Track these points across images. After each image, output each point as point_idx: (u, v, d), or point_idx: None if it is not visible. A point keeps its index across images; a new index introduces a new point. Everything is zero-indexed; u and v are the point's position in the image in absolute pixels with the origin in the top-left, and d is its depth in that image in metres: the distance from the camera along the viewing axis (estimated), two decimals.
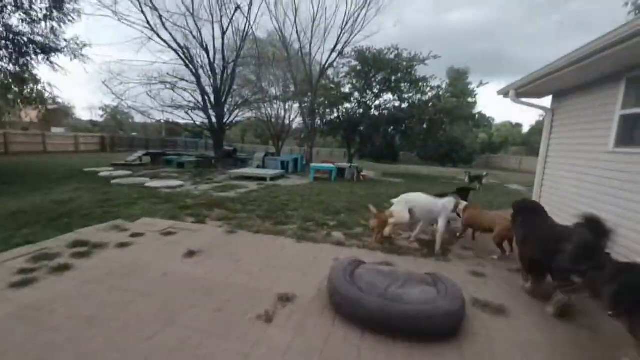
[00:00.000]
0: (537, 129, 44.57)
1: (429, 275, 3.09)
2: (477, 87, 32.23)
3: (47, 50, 13.06)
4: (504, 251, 4.44)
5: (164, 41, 13.82)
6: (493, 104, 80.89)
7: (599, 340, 2.51)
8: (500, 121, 49.75)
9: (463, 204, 5.29)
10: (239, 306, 2.68)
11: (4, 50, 11.79)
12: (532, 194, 9.46)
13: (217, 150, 15.96)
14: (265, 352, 2.14)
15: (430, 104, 18.92)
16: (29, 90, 14.74)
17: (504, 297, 3.12)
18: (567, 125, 5.92)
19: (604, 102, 4.87)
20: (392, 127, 20.54)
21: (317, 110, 19.26)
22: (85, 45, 14.19)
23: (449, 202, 4.66)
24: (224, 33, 14.36)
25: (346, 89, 20.16)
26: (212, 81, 15.09)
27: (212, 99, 15.21)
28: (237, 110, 17.03)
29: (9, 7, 11.47)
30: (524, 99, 6.67)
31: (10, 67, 12.46)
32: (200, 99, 15.14)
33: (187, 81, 15.00)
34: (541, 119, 43.48)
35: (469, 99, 32.52)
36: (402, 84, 18.70)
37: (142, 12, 13.11)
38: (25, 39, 12.10)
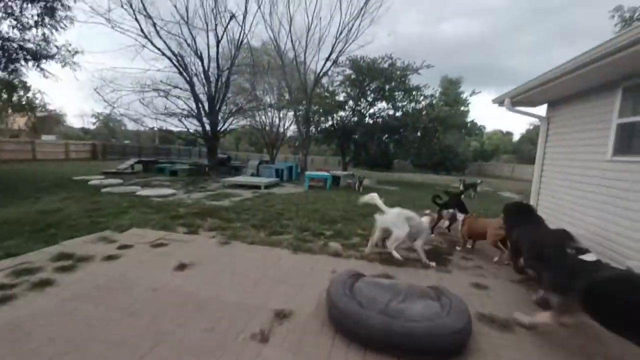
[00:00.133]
0: (527, 138, 45.32)
1: (431, 289, 2.97)
2: (470, 95, 32.58)
3: (37, 56, 12.88)
4: (502, 250, 4.50)
5: (158, 49, 13.75)
6: (483, 112, 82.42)
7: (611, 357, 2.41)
8: (490, 129, 50.50)
9: (461, 215, 5.35)
10: (232, 324, 2.52)
11: None
12: (527, 202, 9.51)
13: (211, 158, 15.79)
14: None
15: (424, 113, 19.05)
16: (17, 97, 14.45)
17: (508, 310, 3.00)
18: (563, 133, 5.92)
19: (600, 110, 4.87)
20: (386, 135, 20.61)
21: (311, 118, 19.25)
22: (76, 52, 14.05)
23: (427, 220, 4.71)
24: (218, 41, 14.36)
25: (340, 97, 20.25)
26: (206, 89, 15.01)
27: (206, 107, 15.09)
28: (231, 118, 16.91)
29: None
30: (519, 108, 6.69)
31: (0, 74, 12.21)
32: (194, 106, 15.04)
33: (180, 89, 14.92)
34: (531, 127, 44.35)
35: (462, 108, 32.90)
36: (396, 93, 18.83)
37: (136, 19, 13.04)
38: (15, 45, 11.91)
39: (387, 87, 18.43)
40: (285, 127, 22.94)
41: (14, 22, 11.64)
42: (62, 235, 4.65)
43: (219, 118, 15.69)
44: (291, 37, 17.15)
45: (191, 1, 14.02)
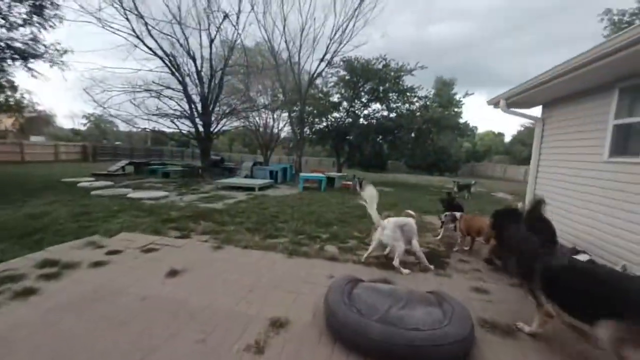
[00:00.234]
0: (518, 139, 45.83)
1: (431, 294, 2.89)
2: (463, 97, 32.87)
3: (25, 56, 12.57)
4: (464, 235, 5.02)
5: (150, 49, 13.50)
6: (475, 113, 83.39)
7: None
8: (482, 131, 50.94)
9: (458, 214, 5.40)
10: (225, 335, 2.40)
11: None
12: (519, 203, 9.53)
13: (204, 159, 15.57)
14: None
15: (418, 114, 19.10)
16: (4, 97, 14.11)
17: (510, 315, 2.94)
18: (559, 134, 5.91)
19: (596, 111, 4.86)
20: (380, 137, 20.61)
21: (306, 119, 19.16)
22: (65, 52, 13.75)
23: (412, 220, 4.57)
24: (211, 41, 14.17)
25: (335, 99, 20.21)
26: (199, 89, 14.79)
27: (199, 108, 14.88)
28: (224, 119, 16.72)
29: None
30: (514, 109, 6.69)
31: None
32: (186, 107, 14.80)
33: (173, 89, 14.65)
34: (522, 128, 44.84)
35: (456, 109, 33.13)
36: (390, 94, 18.84)
37: (127, 19, 12.80)
38: (2, 44, 11.61)
39: (381, 88, 18.43)
40: (279, 128, 22.84)
41: (2, 21, 11.34)
42: (48, 240, 4.47)
43: (212, 119, 15.48)
44: (285, 37, 17.10)
45: (184, 0, 13.86)
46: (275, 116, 21.98)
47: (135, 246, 4.30)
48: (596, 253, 4.53)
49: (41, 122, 40.69)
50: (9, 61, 12.36)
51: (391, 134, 19.77)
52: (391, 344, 2.18)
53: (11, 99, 15.04)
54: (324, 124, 20.45)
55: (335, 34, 16.67)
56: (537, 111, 6.79)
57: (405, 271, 3.87)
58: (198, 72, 14.54)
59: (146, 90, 14.33)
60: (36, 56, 13.65)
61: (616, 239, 4.28)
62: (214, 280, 3.38)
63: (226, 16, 13.77)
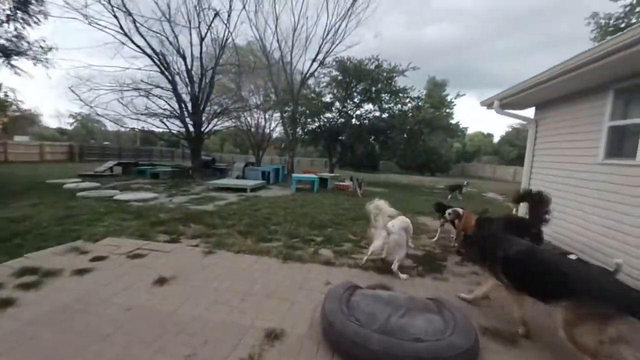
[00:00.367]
0: (506, 139, 46.47)
1: (431, 301, 2.80)
2: (455, 98, 33.12)
3: (8, 53, 12.14)
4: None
5: (138, 47, 13.16)
6: (464, 114, 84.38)
7: None
8: (471, 131, 51.37)
9: (460, 210, 5.50)
10: (217, 349, 2.26)
11: None
12: (510, 203, 9.56)
13: (195, 159, 15.27)
14: None
15: (410, 114, 19.14)
16: None
17: (511, 322, 2.86)
18: (552, 136, 5.91)
19: (590, 113, 4.86)
20: (373, 137, 20.60)
21: (298, 120, 19.01)
22: (50, 49, 13.34)
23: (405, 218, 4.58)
24: (202, 39, 13.89)
25: (327, 99, 20.11)
26: (189, 88, 14.49)
27: (190, 107, 14.59)
28: (215, 119, 16.44)
29: None
30: (508, 110, 6.68)
31: None
32: (176, 106, 14.47)
33: (162, 88, 14.31)
34: (510, 129, 45.42)
35: (447, 110, 33.40)
36: (383, 95, 18.83)
37: (115, 16, 12.46)
38: None
39: (373, 88, 18.41)
40: (271, 129, 22.63)
41: None
42: (29, 245, 4.25)
43: (203, 119, 15.20)
44: (277, 36, 16.93)
45: None
46: (267, 116, 21.78)
47: (121, 252, 4.11)
48: (591, 254, 4.53)
49: (25, 121, 39.60)
50: None
51: (383, 135, 19.76)
52: (393, 356, 2.07)
53: None
54: (317, 124, 20.33)
55: (328, 33, 16.60)
56: (530, 112, 6.81)
57: (404, 276, 3.77)
58: (188, 71, 14.26)
59: (135, 89, 13.98)
60: (20, 53, 13.21)
61: (611, 240, 4.27)
62: (205, 288, 3.23)
63: (217, 14, 13.54)
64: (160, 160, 30.36)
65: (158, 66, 13.63)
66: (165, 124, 15.05)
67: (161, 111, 14.68)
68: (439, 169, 35.75)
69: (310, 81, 19.54)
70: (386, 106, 19.42)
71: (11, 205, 6.88)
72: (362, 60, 18.04)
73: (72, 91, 12.93)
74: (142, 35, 13.01)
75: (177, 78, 14.21)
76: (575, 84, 4.77)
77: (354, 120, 19.79)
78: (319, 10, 17.86)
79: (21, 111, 36.04)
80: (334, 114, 20.13)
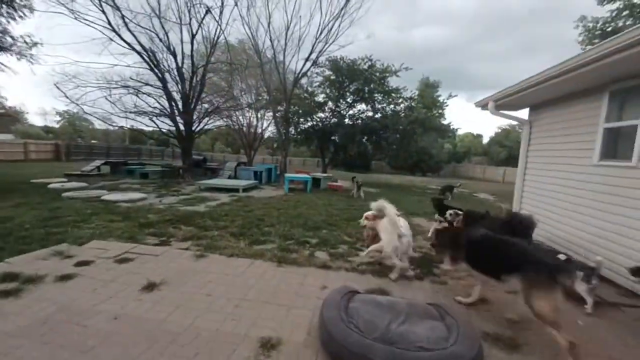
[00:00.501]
0: (496, 140, 47.12)
1: (432, 307, 2.72)
2: (447, 98, 33.33)
3: None
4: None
5: (127, 43, 12.83)
6: (453, 115, 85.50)
7: None
8: (461, 132, 51.90)
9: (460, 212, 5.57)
10: None
11: None
12: (502, 203, 9.62)
13: (186, 159, 14.98)
14: None
15: (403, 115, 19.17)
16: None
17: (512, 326, 2.81)
18: (547, 137, 5.92)
19: (585, 114, 4.86)
20: (365, 137, 20.57)
21: (291, 119, 18.86)
22: (35, 44, 12.94)
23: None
24: (193, 36, 13.61)
25: (320, 99, 20.00)
26: (180, 87, 14.20)
27: (180, 106, 14.30)
28: (207, 118, 16.15)
29: None
30: (502, 111, 6.69)
31: None
32: (167, 104, 14.16)
33: (152, 86, 13.97)
34: (499, 130, 46.01)
35: (440, 110, 33.61)
36: (376, 95, 18.81)
37: (103, 11, 12.11)
38: None
39: (366, 88, 18.36)
40: (263, 128, 22.41)
41: None
42: (10, 249, 4.04)
43: (194, 117, 14.92)
44: (270, 35, 16.69)
45: None
46: (259, 115, 21.56)
47: (108, 256, 3.93)
48: (586, 256, 4.52)
49: (9, 119, 38.47)
50: None
51: (376, 135, 19.75)
52: None
53: None
54: (309, 123, 20.21)
55: (321, 33, 16.42)
56: (524, 113, 6.82)
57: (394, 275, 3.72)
58: (179, 69, 13.96)
59: (123, 87, 13.63)
60: (3, 48, 12.79)
61: (607, 242, 4.27)
62: (197, 294, 3.09)
63: (208, 10, 13.28)
64: (150, 159, 29.84)
65: (148, 63, 13.31)
66: (155, 123, 14.74)
67: (151, 109, 14.36)
68: (430, 170, 35.97)
69: (303, 81, 19.38)
70: (379, 106, 19.39)
71: None
72: (355, 60, 17.97)
73: (58, 88, 12.53)
74: (131, 32, 12.68)
75: (167, 76, 13.90)
76: (570, 86, 4.76)
77: (346, 120, 19.71)
78: (312, 10, 17.65)
79: (5, 108, 35.01)
80: (326, 114, 20.03)
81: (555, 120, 5.66)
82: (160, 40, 13.38)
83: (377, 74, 18.05)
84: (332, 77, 18.76)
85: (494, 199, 14.82)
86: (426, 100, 31.48)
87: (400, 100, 19.26)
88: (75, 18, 11.90)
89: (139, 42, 12.92)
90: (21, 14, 12.43)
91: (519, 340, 2.58)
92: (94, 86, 13.12)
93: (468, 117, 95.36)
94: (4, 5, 11.92)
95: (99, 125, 39.75)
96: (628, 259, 3.82)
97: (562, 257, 3.91)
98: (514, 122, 43.51)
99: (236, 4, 14.65)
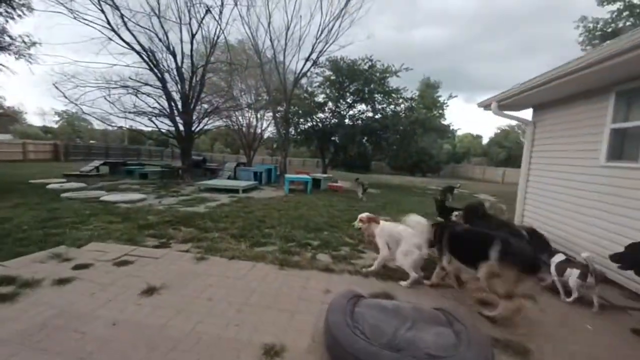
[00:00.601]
0: (495, 141, 47.15)
1: (439, 312, 2.65)
2: (448, 99, 33.35)
3: None
4: None
5: (126, 43, 12.75)
6: (452, 115, 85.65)
7: None
8: (461, 133, 51.91)
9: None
10: None
11: None
12: (502, 204, 9.57)
13: (185, 159, 14.89)
14: None
15: (403, 115, 19.13)
16: None
17: (521, 331, 2.75)
18: (551, 137, 5.86)
19: (591, 115, 4.80)
20: (366, 138, 20.52)
21: (291, 119, 18.80)
22: (33, 44, 12.87)
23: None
24: (192, 36, 13.55)
25: (320, 99, 19.95)
26: (179, 87, 14.13)
27: (180, 106, 14.22)
28: (206, 118, 16.07)
29: None
30: (506, 112, 6.63)
31: None
32: (166, 105, 14.08)
33: (151, 86, 13.90)
34: (499, 131, 46.08)
35: (440, 111, 33.61)
36: (376, 95, 18.76)
37: (102, 10, 12.02)
38: None
39: (366, 89, 18.31)
40: (263, 128, 22.33)
41: None
42: (7, 251, 3.98)
43: (194, 118, 14.84)
44: (270, 35, 16.62)
45: None
46: (258, 116, 21.48)
47: (106, 258, 3.85)
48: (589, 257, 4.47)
49: (8, 119, 38.36)
50: None
51: (376, 135, 19.71)
52: None
53: None
54: (310, 124, 20.16)
55: (322, 33, 16.36)
56: (527, 113, 6.78)
57: (405, 283, 3.64)
58: (178, 69, 13.89)
59: (122, 87, 13.56)
60: (1, 48, 12.72)
61: (611, 243, 4.21)
62: (198, 298, 3.02)
63: (208, 10, 13.22)
64: (149, 159, 29.76)
65: (147, 63, 13.24)
66: (155, 123, 14.67)
67: (150, 109, 14.28)
68: (430, 170, 35.95)
69: (303, 81, 19.33)
70: (379, 107, 19.35)
71: None
72: (356, 60, 17.92)
73: (57, 88, 12.45)
74: (130, 31, 12.61)
75: (166, 76, 13.82)
76: (576, 86, 4.70)
77: (347, 120, 19.66)
78: (312, 10, 17.54)
79: (3, 108, 34.88)
80: (327, 114, 19.97)
81: (560, 120, 5.61)
82: (160, 39, 13.32)
83: (378, 75, 18.00)
84: (332, 78, 18.71)
85: (494, 199, 14.77)
86: (426, 101, 31.49)
87: (401, 100, 19.22)
88: (75, 17, 11.83)
89: (138, 41, 12.86)
90: (20, 13, 12.38)
91: (529, 347, 2.51)
92: (93, 86, 13.05)
93: (467, 118, 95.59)
94: (2, 4, 11.85)
95: (97, 125, 39.75)
96: None
97: (561, 256, 3.87)
98: (514, 123, 43.50)
99: (236, 4, 14.59)
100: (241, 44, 18.76)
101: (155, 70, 13.37)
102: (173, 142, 15.59)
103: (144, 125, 15.45)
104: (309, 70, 17.81)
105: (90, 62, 16.38)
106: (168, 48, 13.57)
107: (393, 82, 18.73)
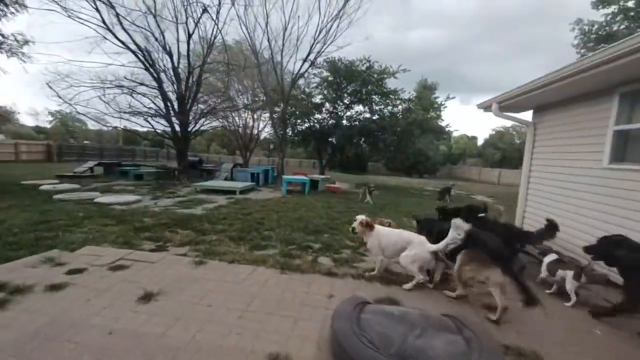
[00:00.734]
0: (490, 142, 47.43)
1: (448, 318, 2.57)
2: (445, 100, 33.44)
3: None
4: None
5: (122, 42, 12.57)
6: (447, 116, 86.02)
7: None
8: (456, 134, 52.12)
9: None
10: None
11: None
12: (501, 206, 9.56)
13: (181, 160, 14.72)
14: None
15: (400, 116, 19.14)
16: None
17: (531, 338, 2.69)
18: (552, 139, 5.83)
19: (594, 117, 4.76)
20: (363, 139, 20.50)
21: (288, 120, 18.71)
22: (26, 42, 12.65)
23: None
24: (189, 36, 13.40)
25: (317, 100, 19.90)
26: (175, 87, 13.96)
27: (176, 106, 14.06)
28: (203, 119, 15.91)
29: None
30: (506, 113, 6.59)
31: None
32: (162, 105, 13.91)
33: (147, 86, 13.72)
34: (494, 132, 46.37)
35: (437, 112, 33.71)
36: (373, 96, 18.75)
37: (97, 9, 11.84)
38: None
39: (364, 90, 18.30)
40: (260, 129, 22.20)
41: None
42: None
43: (190, 118, 14.68)
44: (267, 35, 16.53)
45: None
46: (255, 117, 21.34)
47: (101, 263, 3.73)
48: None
49: (0, 119, 37.83)
50: None
51: (374, 136, 19.70)
52: None
53: None
54: (307, 125, 20.09)
55: (320, 33, 16.31)
56: (527, 115, 6.75)
57: (408, 286, 3.56)
58: (175, 69, 13.73)
59: (117, 86, 13.37)
60: None
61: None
62: (197, 304, 2.90)
63: (205, 10, 13.08)
64: (144, 160, 29.47)
65: (143, 63, 13.06)
66: (150, 123, 14.49)
67: (146, 110, 14.11)
68: (427, 171, 36.04)
69: (301, 81, 19.26)
70: (377, 108, 19.34)
71: None
72: (354, 61, 17.91)
73: (50, 87, 12.22)
74: (125, 30, 12.42)
75: (162, 76, 13.66)
76: (580, 88, 4.67)
77: (344, 121, 19.63)
78: (310, 10, 17.53)
79: None
80: (324, 115, 19.92)
81: (562, 122, 5.57)
82: (156, 39, 13.16)
83: (375, 76, 18.01)
84: (330, 79, 18.69)
85: (492, 201, 14.79)
86: (424, 102, 31.58)
87: (398, 102, 19.23)
88: (69, 16, 11.61)
89: (133, 41, 12.68)
90: (13, 10, 12.17)
91: (541, 354, 2.44)
92: (87, 86, 12.85)
93: (462, 119, 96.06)
94: None
95: (92, 125, 39.29)
96: None
97: (553, 256, 4.00)
98: (508, 125, 43.56)
99: (233, 4, 14.48)
100: (238, 45, 18.64)
101: (151, 70, 13.21)
102: (169, 143, 15.42)
103: (139, 125, 15.33)
104: (306, 71, 17.76)
105: (84, 62, 16.13)
106: (164, 48, 13.42)
107: (390, 83, 18.75)
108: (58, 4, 11.30)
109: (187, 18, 13.10)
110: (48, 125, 49.38)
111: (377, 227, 3.97)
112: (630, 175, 4.06)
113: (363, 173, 31.85)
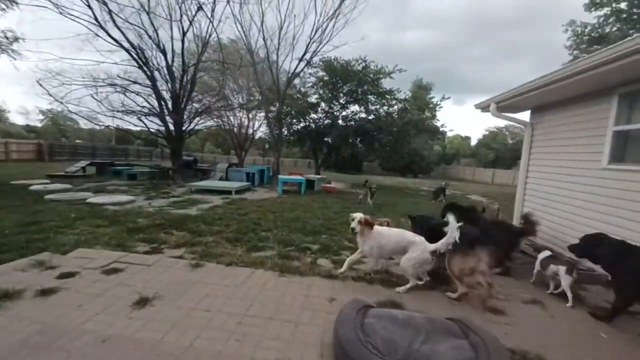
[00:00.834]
0: (483, 142, 47.80)
1: (453, 322, 2.52)
2: (441, 100, 33.58)
3: None
4: None
5: (115, 40, 12.35)
6: (441, 117, 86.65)
7: None
8: (450, 134, 52.40)
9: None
10: None
11: None
12: (495, 205, 9.58)
13: (175, 160, 14.51)
14: None
15: (396, 116, 19.15)
16: None
17: (535, 340, 2.65)
18: (551, 139, 5.84)
19: (593, 117, 4.77)
20: (359, 139, 20.48)
21: (284, 120, 18.61)
22: (16, 39, 12.38)
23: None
24: (184, 34, 13.22)
25: (313, 99, 19.82)
26: (169, 85, 13.76)
27: (170, 105, 13.85)
28: (197, 118, 15.72)
29: None
30: (504, 113, 6.59)
31: None
32: (156, 104, 13.70)
33: (140, 84, 13.49)
34: (487, 133, 46.73)
35: (432, 113, 33.84)
36: (369, 96, 18.73)
37: (89, 6, 11.60)
38: None
39: (359, 90, 18.27)
40: (255, 129, 22.05)
41: None
42: None
43: (184, 117, 14.48)
44: (263, 34, 16.40)
45: None
46: (250, 116, 21.19)
47: (94, 266, 3.61)
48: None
49: None
50: None
51: (369, 136, 19.68)
52: None
53: None
54: (302, 124, 20.01)
55: (316, 33, 16.23)
56: (524, 115, 6.76)
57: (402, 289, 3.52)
58: (169, 67, 13.52)
59: (110, 85, 13.12)
60: None
61: None
62: (194, 309, 2.81)
63: (200, 7, 12.91)
64: (138, 160, 29.12)
65: (136, 61, 12.84)
66: (144, 122, 14.24)
67: (139, 108, 13.86)
68: (421, 171, 36.19)
69: (296, 81, 19.17)
70: (372, 108, 19.33)
71: None
72: (350, 61, 17.86)
73: (41, 85, 11.96)
74: (118, 28, 12.20)
75: (156, 74, 13.44)
76: (579, 88, 4.66)
77: (340, 121, 19.59)
78: (306, 9, 17.45)
79: None
80: (320, 115, 19.85)
81: (560, 122, 5.58)
82: (150, 37, 12.94)
83: (371, 76, 17.99)
84: (326, 78, 18.62)
85: (486, 200, 14.85)
86: (419, 102, 31.66)
87: (394, 102, 19.23)
88: (60, 12, 11.37)
89: (126, 38, 12.46)
90: (3, 6, 11.93)
91: (545, 358, 2.40)
92: (79, 84, 12.60)
93: (456, 119, 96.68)
94: None
95: (84, 124, 38.78)
96: None
97: (547, 252, 4.01)
98: (502, 125, 43.86)
99: (228, 2, 14.32)
100: (234, 43, 18.48)
101: (145, 69, 13.00)
102: (162, 142, 15.16)
103: (132, 124, 14.99)
104: (302, 70, 17.68)
105: (76, 59, 15.83)
106: (158, 46, 13.21)
107: (386, 83, 18.74)
108: (49, 0, 11.07)
109: (181, 16, 12.93)
110: (39, 124, 48.58)
111: (377, 226, 3.92)
112: (629, 176, 4.07)
113: (358, 173, 31.85)
